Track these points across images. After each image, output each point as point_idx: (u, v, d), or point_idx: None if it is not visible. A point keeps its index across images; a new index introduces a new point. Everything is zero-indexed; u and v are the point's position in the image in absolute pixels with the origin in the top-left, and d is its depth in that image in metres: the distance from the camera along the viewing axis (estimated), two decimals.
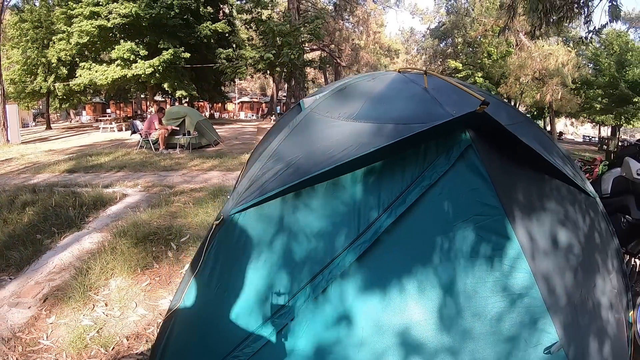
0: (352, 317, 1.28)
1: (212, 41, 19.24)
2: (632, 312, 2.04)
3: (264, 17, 12.23)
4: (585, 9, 6.84)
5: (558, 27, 7.85)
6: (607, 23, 6.64)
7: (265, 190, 1.35)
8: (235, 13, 21.01)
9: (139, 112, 29.50)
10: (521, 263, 1.39)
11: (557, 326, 1.39)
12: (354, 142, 1.45)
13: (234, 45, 21.87)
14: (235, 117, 40.91)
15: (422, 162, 1.39)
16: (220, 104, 38.27)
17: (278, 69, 12.40)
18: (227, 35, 19.81)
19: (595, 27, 7.04)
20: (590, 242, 1.74)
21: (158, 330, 1.67)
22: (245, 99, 48.10)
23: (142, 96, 29.03)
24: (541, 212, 1.54)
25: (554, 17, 6.76)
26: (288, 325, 1.28)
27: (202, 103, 30.61)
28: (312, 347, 1.27)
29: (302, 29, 12.66)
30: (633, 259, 2.89)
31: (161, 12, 16.88)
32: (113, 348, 2.28)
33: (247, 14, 11.83)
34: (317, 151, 1.46)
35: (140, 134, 10.41)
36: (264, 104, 43.53)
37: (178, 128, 10.78)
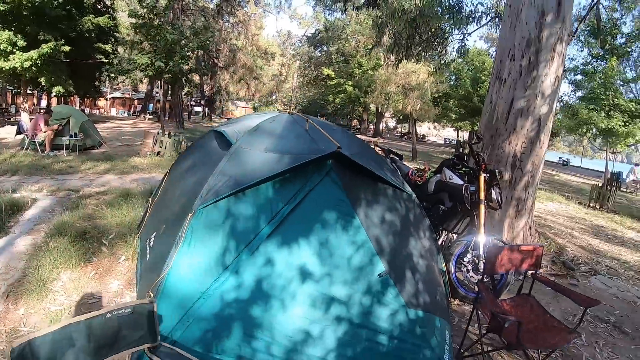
0: (273, 262, 2.33)
1: (92, 35, 18.38)
2: (444, 264, 3.38)
3: (155, 23, 12.28)
4: (439, 47, 8.80)
5: (417, 58, 9.75)
6: (454, 58, 8.70)
7: (218, 194, 2.33)
8: (116, 5, 20.24)
9: (3, 105, 26.40)
10: (361, 230, 2.55)
11: (383, 263, 2.56)
12: (267, 166, 2.50)
13: (112, 39, 21.03)
14: (106, 113, 38.15)
15: (305, 177, 2.49)
16: (91, 100, 35.63)
17: (167, 75, 12.53)
18: (107, 30, 19.12)
19: (445, 60, 9.11)
20: (406, 220, 2.98)
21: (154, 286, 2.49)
22: (117, 94, 45.20)
23: (10, 88, 26.12)
24: (374, 203, 2.74)
25: (413, 51, 8.58)
26: (238, 270, 2.28)
27: (71, 98, 28.46)
28: (252, 280, 2.28)
29: (192, 38, 12.95)
30: (448, 233, 4.39)
31: (45, 0, 15.70)
32: None
33: (139, 19, 11.67)
34: (246, 170, 2.48)
35: (26, 134, 10.01)
36: (136, 101, 41.47)
37: (63, 128, 10.59)
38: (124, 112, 39.20)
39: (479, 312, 2.82)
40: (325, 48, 37.31)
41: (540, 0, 4.93)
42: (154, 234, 3.15)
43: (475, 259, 3.75)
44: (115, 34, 21.45)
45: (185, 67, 12.72)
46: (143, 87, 40.36)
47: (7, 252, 3.88)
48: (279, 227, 2.39)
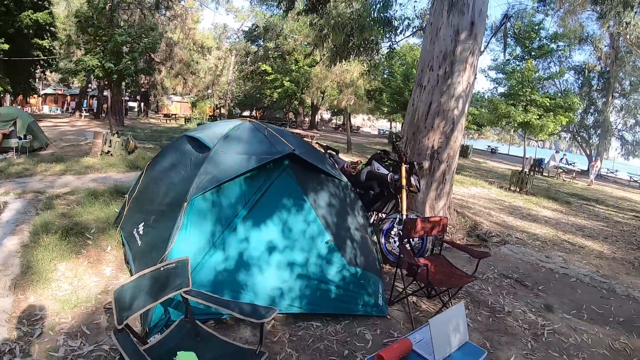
0: (249, 238, 3.13)
1: (30, 31, 17.77)
2: (375, 236, 4.31)
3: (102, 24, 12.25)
4: (371, 51, 9.93)
5: (348, 60, 10.85)
6: (383, 61, 9.82)
7: (205, 188, 3.09)
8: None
9: None
10: (311, 211, 3.41)
11: (328, 233, 3.43)
12: (239, 165, 3.28)
13: (49, 35, 20.36)
14: (39, 111, 36.19)
15: (267, 173, 3.31)
16: (22, 98, 33.78)
17: (115, 76, 12.61)
18: (45, 25, 18.51)
19: (375, 63, 10.27)
20: (344, 203, 3.85)
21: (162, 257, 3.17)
22: (49, 90, 43.03)
23: None
24: (319, 191, 3.61)
25: (346, 54, 9.63)
26: (223, 245, 3.05)
27: (2, 96, 27.05)
28: (235, 252, 3.07)
29: (139, 40, 13.07)
30: (378, 213, 5.35)
31: None
32: (95, 301, 3.39)
33: (87, 20, 11.58)
34: (224, 169, 3.25)
35: None
36: (69, 97, 39.78)
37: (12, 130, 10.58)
38: (57, 110, 37.39)
39: (401, 268, 3.77)
40: (262, 43, 37.56)
41: (456, 20, 5.95)
42: (142, 224, 3.81)
43: (400, 232, 4.73)
44: (51, 28, 20.82)
45: (132, 68, 12.92)
46: (76, 83, 38.59)
47: None
48: (251, 211, 3.19)
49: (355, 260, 3.52)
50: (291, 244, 3.26)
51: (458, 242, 6.26)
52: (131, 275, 3.76)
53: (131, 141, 11.93)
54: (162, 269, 2.26)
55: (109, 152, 11.17)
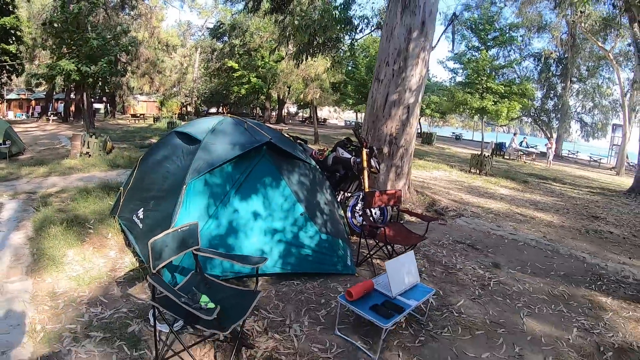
0: (238, 210, 3.82)
1: None
2: (342, 211, 5.04)
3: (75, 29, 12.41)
4: (333, 49, 10.74)
5: (315, 59, 11.65)
6: (348, 56, 10.59)
7: (200, 172, 3.74)
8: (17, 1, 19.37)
9: None
10: (287, 188, 4.12)
11: (301, 206, 4.15)
12: (226, 153, 3.95)
13: (14, 39, 20.15)
14: (4, 117, 35.35)
15: (249, 158, 4.00)
16: None
17: (90, 80, 12.85)
18: (11, 30, 18.33)
19: (339, 59, 11.08)
20: (313, 182, 4.57)
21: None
22: (13, 95, 41.94)
23: None
24: (292, 172, 4.32)
25: (311, 52, 10.37)
26: (217, 217, 3.71)
27: None
28: (226, 222, 3.75)
29: (113, 43, 13.35)
30: (344, 192, 6.11)
31: None
32: (106, 277, 3.93)
33: (62, 24, 11.74)
34: (214, 156, 3.91)
35: None
36: (33, 102, 39.00)
37: None
38: (22, 115, 36.57)
39: (365, 234, 4.53)
40: (227, 40, 37.67)
41: (409, 20, 6.71)
42: (141, 209, 4.41)
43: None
44: (17, 33, 20.58)
45: (108, 70, 13.21)
46: (42, 87, 37.81)
47: (8, 246, 4.68)
48: (239, 189, 3.88)
49: (325, 229, 4.25)
50: (271, 213, 3.97)
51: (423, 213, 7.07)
52: (134, 255, 4.39)
53: (108, 142, 12.27)
54: (179, 230, 2.91)
55: (87, 153, 11.47)
